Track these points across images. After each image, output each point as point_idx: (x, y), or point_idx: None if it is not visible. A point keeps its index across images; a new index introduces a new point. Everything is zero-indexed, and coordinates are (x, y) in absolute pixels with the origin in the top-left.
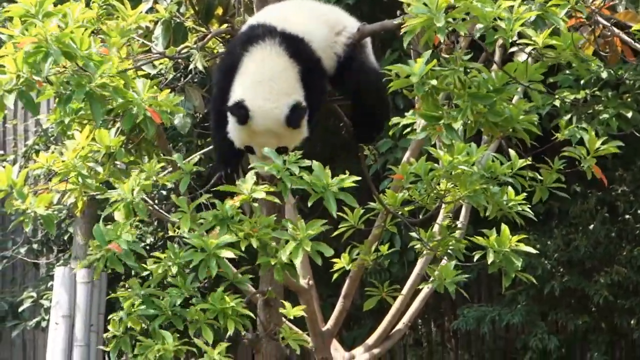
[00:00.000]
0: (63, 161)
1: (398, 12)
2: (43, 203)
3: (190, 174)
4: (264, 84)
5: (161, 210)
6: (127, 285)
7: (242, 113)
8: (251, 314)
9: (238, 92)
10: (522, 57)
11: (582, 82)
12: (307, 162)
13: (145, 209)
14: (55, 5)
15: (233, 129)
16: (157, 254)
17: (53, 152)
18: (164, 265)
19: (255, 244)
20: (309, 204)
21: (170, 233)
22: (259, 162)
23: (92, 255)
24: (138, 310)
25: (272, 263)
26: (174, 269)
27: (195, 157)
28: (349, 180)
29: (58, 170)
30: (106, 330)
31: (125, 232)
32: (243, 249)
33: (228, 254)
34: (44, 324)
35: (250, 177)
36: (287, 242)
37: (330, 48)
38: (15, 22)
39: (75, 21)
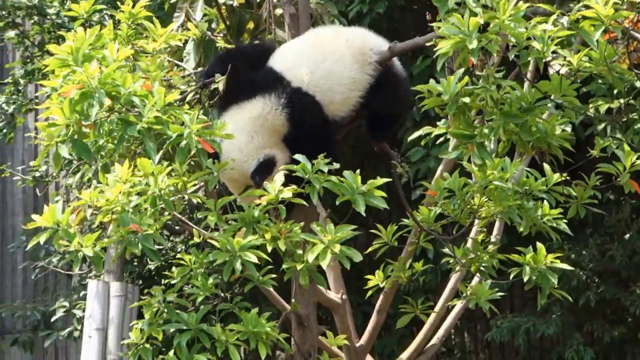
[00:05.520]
0: (107, 200)
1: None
2: (90, 242)
3: (217, 176)
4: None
5: (189, 222)
6: (151, 293)
7: None
8: (282, 336)
9: None
10: (557, 66)
11: (615, 91)
12: (335, 165)
13: (171, 203)
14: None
15: None
16: (182, 254)
17: (96, 188)
18: (187, 269)
19: (282, 246)
20: (337, 203)
21: (196, 239)
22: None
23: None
24: (160, 319)
25: (298, 267)
26: (199, 272)
27: None
28: (378, 183)
29: (102, 207)
30: None
31: (148, 217)
32: (270, 250)
33: (253, 257)
34: (76, 333)
35: (280, 178)
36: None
37: (358, 76)
38: (57, 72)
39: (115, 61)
